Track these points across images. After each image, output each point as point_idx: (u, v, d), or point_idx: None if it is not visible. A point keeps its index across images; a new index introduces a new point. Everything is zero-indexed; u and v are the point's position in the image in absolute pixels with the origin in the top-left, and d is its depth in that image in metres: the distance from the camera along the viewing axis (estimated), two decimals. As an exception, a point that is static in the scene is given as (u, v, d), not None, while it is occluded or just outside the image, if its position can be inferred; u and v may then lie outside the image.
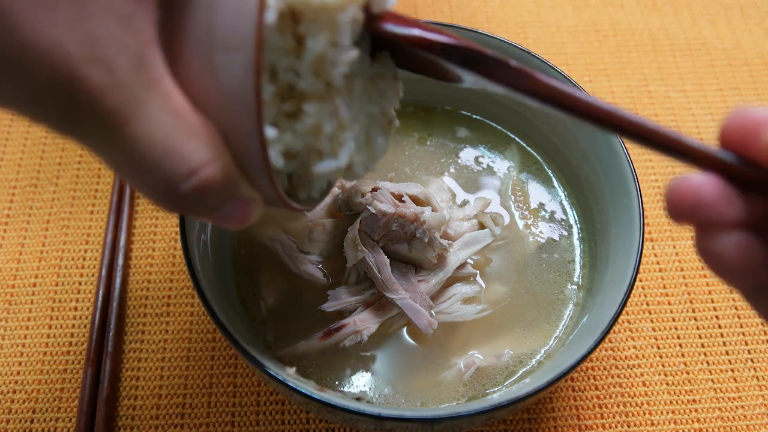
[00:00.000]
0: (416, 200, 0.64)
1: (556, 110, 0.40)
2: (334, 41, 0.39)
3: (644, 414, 0.65)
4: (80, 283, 0.71)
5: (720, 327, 0.70)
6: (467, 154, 0.72)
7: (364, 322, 0.60)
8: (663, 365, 0.67)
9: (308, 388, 0.50)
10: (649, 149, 0.39)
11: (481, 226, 0.66)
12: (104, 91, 0.31)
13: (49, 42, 0.29)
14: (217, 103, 0.36)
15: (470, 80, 0.43)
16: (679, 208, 0.35)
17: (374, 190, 0.64)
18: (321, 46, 0.39)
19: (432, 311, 0.60)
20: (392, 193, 0.63)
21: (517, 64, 0.40)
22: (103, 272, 0.70)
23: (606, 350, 0.68)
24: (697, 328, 0.70)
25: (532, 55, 0.65)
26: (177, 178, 0.34)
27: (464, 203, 0.69)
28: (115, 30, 0.31)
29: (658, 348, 0.68)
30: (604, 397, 0.66)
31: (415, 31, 0.41)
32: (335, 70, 0.40)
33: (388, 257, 0.62)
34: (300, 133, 0.42)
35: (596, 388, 0.66)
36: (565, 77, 0.63)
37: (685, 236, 0.75)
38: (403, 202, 0.63)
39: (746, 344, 0.69)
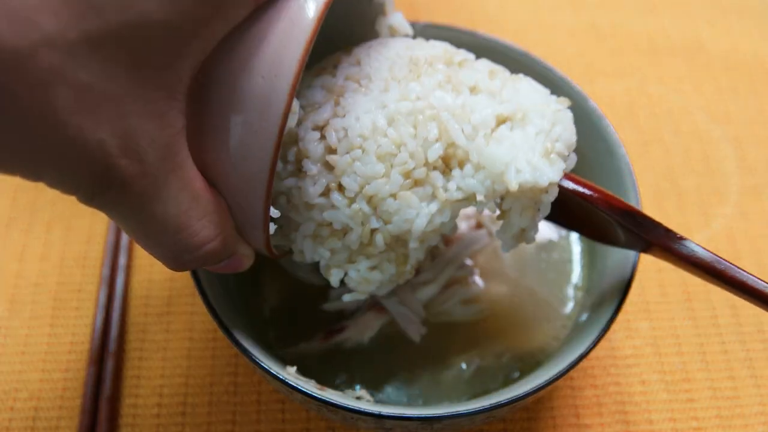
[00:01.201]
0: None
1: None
2: None
3: (642, 413, 0.65)
4: (82, 283, 0.71)
5: (718, 326, 0.70)
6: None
7: (365, 323, 0.61)
8: (661, 364, 0.68)
9: (309, 387, 0.50)
10: None
11: (480, 226, 0.67)
12: (133, 178, 0.35)
13: (92, 139, 0.33)
14: (231, 180, 0.41)
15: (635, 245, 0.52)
16: None
17: None
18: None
19: (421, 325, 0.61)
20: None
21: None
22: (106, 272, 0.71)
23: (605, 349, 0.68)
24: (695, 328, 0.70)
25: (531, 56, 0.65)
26: (184, 251, 0.40)
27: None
28: (149, 126, 0.35)
29: (657, 347, 0.69)
30: (603, 396, 0.66)
31: (596, 193, 0.49)
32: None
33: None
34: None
35: (595, 387, 0.66)
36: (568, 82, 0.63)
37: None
38: None
39: (744, 343, 0.69)
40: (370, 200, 0.46)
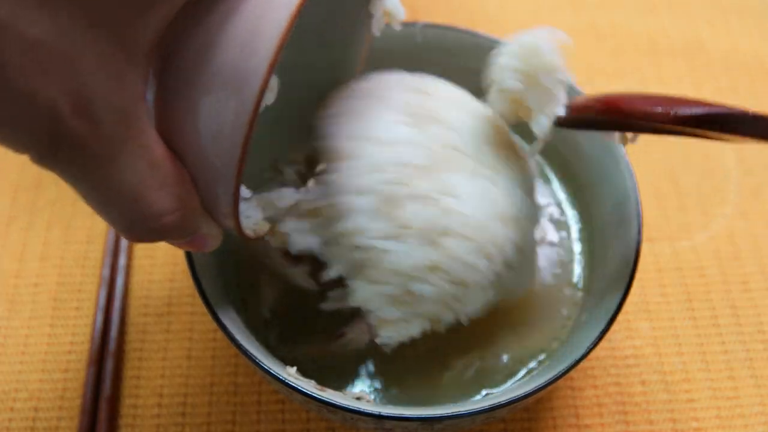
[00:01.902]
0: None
1: None
2: None
3: (643, 413, 0.65)
4: (82, 283, 0.71)
5: (718, 327, 0.70)
6: (467, 155, 0.72)
7: (365, 327, 0.60)
8: (661, 365, 0.68)
9: (309, 387, 0.50)
10: None
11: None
12: (87, 140, 0.34)
13: (42, 97, 0.32)
14: (200, 156, 0.38)
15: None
16: None
17: None
18: None
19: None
20: None
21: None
22: (106, 272, 0.71)
23: (605, 350, 0.68)
24: (696, 328, 0.70)
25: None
26: (140, 221, 0.38)
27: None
28: (104, 87, 0.33)
29: (657, 347, 0.69)
30: (603, 396, 0.66)
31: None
32: None
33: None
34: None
35: (595, 387, 0.66)
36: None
37: (683, 236, 0.76)
38: None
39: (744, 343, 0.69)
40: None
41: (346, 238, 0.47)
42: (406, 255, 0.46)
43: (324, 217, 0.49)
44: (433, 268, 0.47)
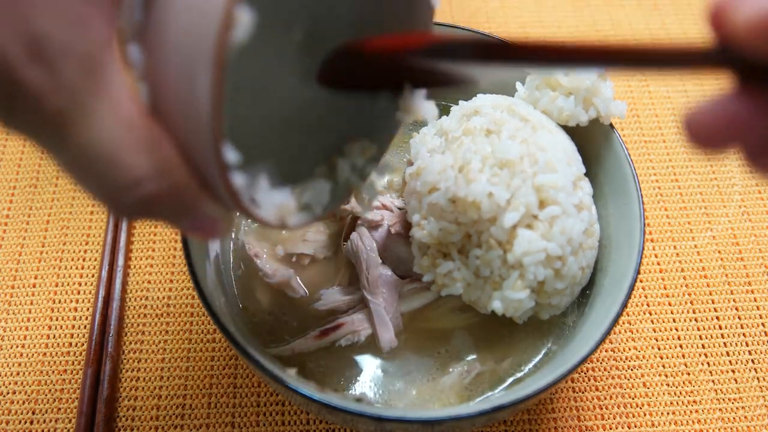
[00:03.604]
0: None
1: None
2: None
3: (645, 415, 0.65)
4: (80, 284, 0.71)
5: (720, 328, 0.70)
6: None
7: (361, 323, 0.60)
8: (663, 366, 0.67)
9: (309, 389, 0.49)
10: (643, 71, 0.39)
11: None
12: (46, 92, 0.31)
13: None
14: (177, 110, 0.35)
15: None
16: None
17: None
18: None
19: (394, 337, 0.60)
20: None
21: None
22: (103, 273, 0.70)
23: (606, 351, 0.68)
24: (698, 329, 0.70)
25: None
26: (120, 189, 0.34)
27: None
28: (62, 32, 0.30)
29: (659, 349, 0.68)
30: (605, 398, 0.65)
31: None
32: None
33: (387, 258, 0.62)
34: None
35: (597, 389, 0.66)
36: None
37: (685, 236, 0.75)
38: (388, 208, 0.64)
39: (747, 345, 0.69)
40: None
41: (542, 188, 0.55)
42: (580, 222, 0.56)
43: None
44: (583, 247, 0.57)
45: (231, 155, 0.35)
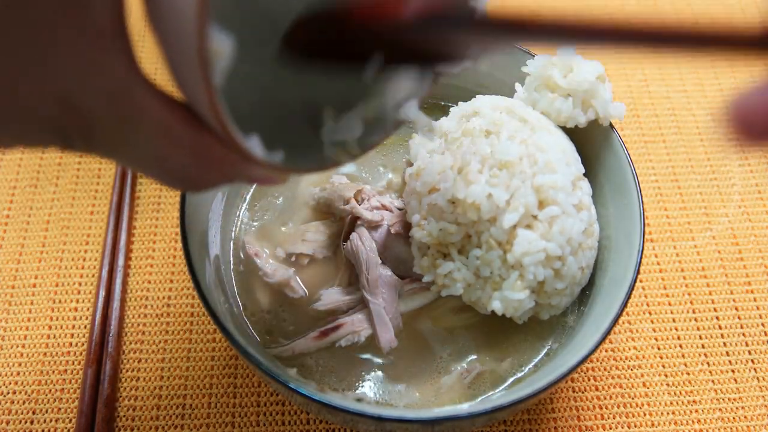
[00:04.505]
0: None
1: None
2: None
3: (645, 415, 0.65)
4: (80, 284, 0.71)
5: (720, 328, 0.70)
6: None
7: (361, 323, 0.60)
8: (663, 366, 0.67)
9: (309, 389, 0.49)
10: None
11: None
12: (90, 130, 0.36)
13: (30, 106, 0.34)
14: (187, 82, 0.37)
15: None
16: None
17: (357, 195, 0.65)
18: None
19: (394, 337, 0.60)
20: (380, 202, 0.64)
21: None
22: (104, 273, 0.70)
23: (606, 351, 0.68)
24: (698, 329, 0.70)
25: (533, 55, 0.65)
26: (176, 179, 0.41)
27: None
28: (85, 78, 0.34)
29: (659, 349, 0.68)
30: (605, 398, 0.65)
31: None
32: None
33: (386, 259, 0.62)
34: None
35: (596, 389, 0.66)
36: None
37: (685, 237, 0.75)
38: (387, 208, 0.64)
39: (746, 345, 0.69)
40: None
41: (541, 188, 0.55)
42: (579, 222, 0.56)
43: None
44: (583, 247, 0.57)
45: (228, 114, 0.37)
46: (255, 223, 0.68)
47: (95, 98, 0.35)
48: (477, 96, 0.65)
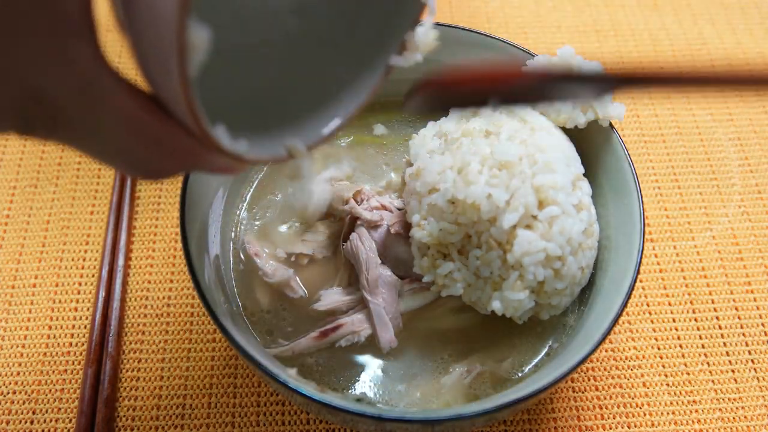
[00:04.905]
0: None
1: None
2: None
3: (644, 415, 0.65)
4: (80, 284, 0.71)
5: (720, 328, 0.70)
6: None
7: (361, 323, 0.60)
8: (663, 366, 0.67)
9: (309, 389, 0.49)
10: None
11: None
12: (55, 121, 0.36)
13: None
14: (157, 71, 0.37)
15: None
16: None
17: (356, 195, 0.65)
18: None
19: (394, 337, 0.60)
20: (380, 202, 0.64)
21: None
22: (104, 273, 0.70)
23: (606, 351, 0.68)
24: (698, 329, 0.70)
25: (533, 55, 0.65)
26: (139, 169, 0.41)
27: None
28: (52, 67, 0.34)
29: (659, 349, 0.68)
30: (605, 398, 0.65)
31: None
32: None
33: (386, 259, 0.62)
34: None
35: (596, 389, 0.66)
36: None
37: (685, 237, 0.75)
38: (387, 208, 0.64)
39: (746, 345, 0.69)
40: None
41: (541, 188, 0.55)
42: (579, 222, 0.56)
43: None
44: (583, 247, 0.57)
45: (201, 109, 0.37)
46: (255, 223, 0.68)
47: (61, 87, 0.35)
48: None
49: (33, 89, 0.34)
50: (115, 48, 0.84)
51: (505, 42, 0.67)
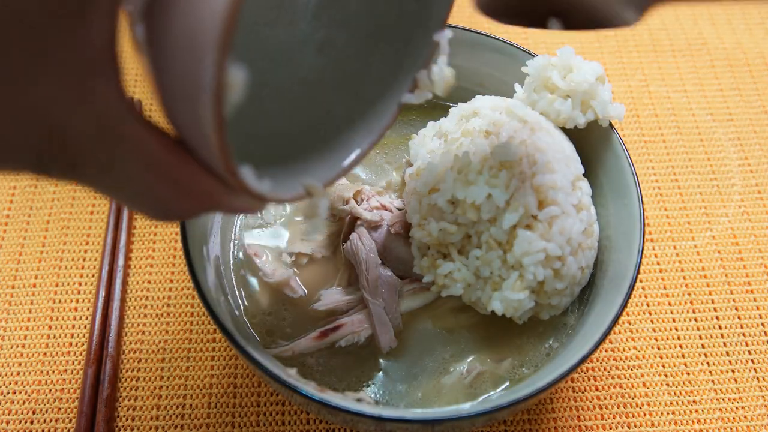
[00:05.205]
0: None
1: None
2: None
3: (645, 415, 0.65)
4: (80, 284, 0.71)
5: (720, 328, 0.70)
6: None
7: (361, 323, 0.60)
8: (663, 366, 0.67)
9: (309, 389, 0.49)
10: None
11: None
12: (71, 159, 0.34)
13: (4, 133, 0.32)
14: (182, 116, 0.36)
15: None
16: None
17: (356, 195, 0.65)
18: None
19: (393, 337, 0.60)
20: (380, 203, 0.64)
21: None
22: (104, 273, 0.70)
23: (606, 351, 0.68)
24: (698, 329, 0.70)
25: (533, 55, 0.65)
26: (158, 212, 0.39)
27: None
28: (73, 105, 0.32)
29: (659, 349, 0.68)
30: (605, 398, 0.65)
31: None
32: None
33: (386, 259, 0.62)
34: None
35: (597, 389, 0.66)
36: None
37: (685, 237, 0.75)
38: (387, 208, 0.64)
39: (746, 345, 0.69)
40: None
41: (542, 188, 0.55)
42: (579, 222, 0.56)
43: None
44: (582, 247, 0.57)
45: (239, 164, 0.37)
46: (255, 223, 0.68)
47: (82, 126, 0.33)
48: (477, 96, 0.65)
49: (51, 129, 0.33)
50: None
51: (505, 42, 0.67)
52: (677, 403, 0.65)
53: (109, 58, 0.33)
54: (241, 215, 0.68)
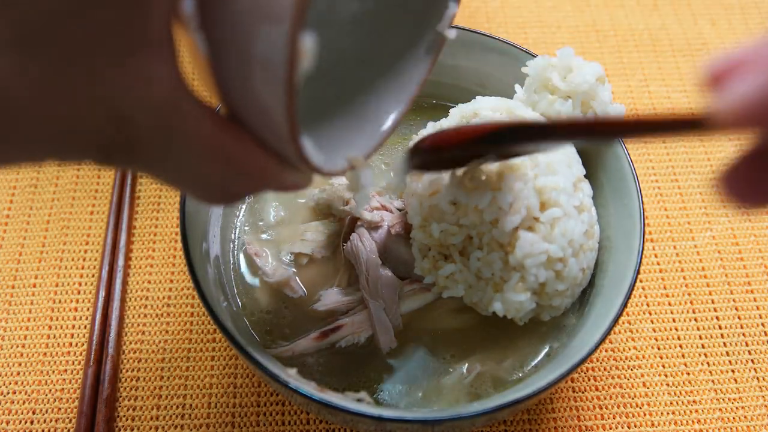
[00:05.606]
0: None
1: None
2: None
3: (645, 415, 0.65)
4: (80, 284, 0.71)
5: (720, 328, 0.70)
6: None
7: (361, 324, 0.60)
8: (663, 366, 0.67)
9: (309, 389, 0.49)
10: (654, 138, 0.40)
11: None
12: (132, 145, 0.34)
13: (74, 120, 0.33)
14: (251, 104, 0.36)
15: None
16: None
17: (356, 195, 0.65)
18: None
19: (393, 337, 0.60)
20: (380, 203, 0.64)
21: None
22: (104, 273, 0.70)
23: (606, 351, 0.68)
24: (698, 329, 0.70)
25: (533, 55, 0.65)
26: (214, 194, 0.41)
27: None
28: (135, 90, 0.33)
29: (659, 349, 0.68)
30: (605, 398, 0.65)
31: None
32: None
33: (387, 259, 0.62)
34: None
35: (597, 389, 0.66)
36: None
37: (685, 237, 0.75)
38: (387, 209, 0.64)
39: (746, 345, 0.69)
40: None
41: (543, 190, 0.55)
42: (580, 224, 0.56)
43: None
44: (584, 249, 0.57)
45: (308, 146, 0.37)
46: (255, 223, 0.68)
47: (143, 111, 0.34)
48: (477, 97, 0.65)
49: (117, 113, 0.33)
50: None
51: (505, 42, 0.67)
52: (677, 403, 0.65)
53: (165, 37, 0.34)
54: (241, 216, 0.68)
